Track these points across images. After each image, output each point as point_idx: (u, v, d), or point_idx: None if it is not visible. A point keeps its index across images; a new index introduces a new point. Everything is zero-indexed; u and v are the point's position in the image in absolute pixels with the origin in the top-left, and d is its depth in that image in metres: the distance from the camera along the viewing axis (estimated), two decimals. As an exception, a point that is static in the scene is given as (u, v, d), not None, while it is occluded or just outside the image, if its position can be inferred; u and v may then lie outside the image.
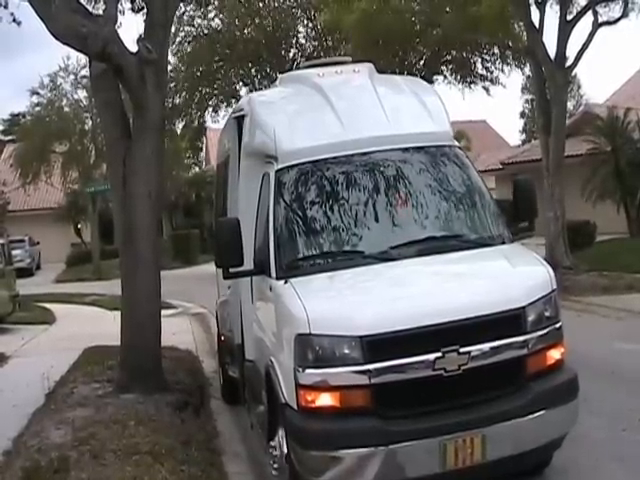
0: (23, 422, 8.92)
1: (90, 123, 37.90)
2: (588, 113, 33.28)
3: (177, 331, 14.96)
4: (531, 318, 5.99)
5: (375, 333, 5.69)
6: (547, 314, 6.14)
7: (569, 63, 22.75)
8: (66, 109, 39.13)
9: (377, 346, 5.68)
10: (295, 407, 5.91)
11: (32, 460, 7.20)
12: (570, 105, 47.54)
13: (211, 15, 33.21)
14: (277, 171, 7.02)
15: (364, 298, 6.07)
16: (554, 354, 6.18)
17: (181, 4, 23.98)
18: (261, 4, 33.21)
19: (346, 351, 5.71)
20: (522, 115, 65.81)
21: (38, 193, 44.35)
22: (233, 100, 32.46)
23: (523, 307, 5.97)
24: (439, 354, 5.68)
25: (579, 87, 61.66)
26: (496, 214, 7.11)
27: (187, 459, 7.31)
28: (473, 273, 6.50)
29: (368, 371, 5.65)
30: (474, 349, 5.77)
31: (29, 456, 7.39)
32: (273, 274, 6.57)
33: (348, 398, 5.73)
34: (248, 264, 6.94)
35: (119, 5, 11.11)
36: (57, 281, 37.00)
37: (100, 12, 10.80)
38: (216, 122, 35.18)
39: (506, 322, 5.91)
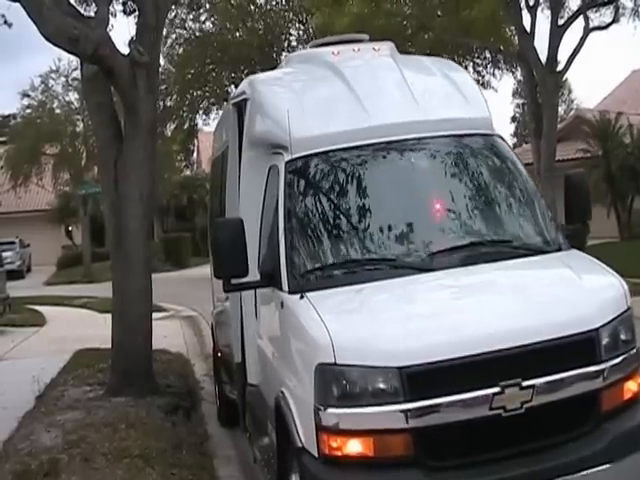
0: (13, 425, 8.87)
1: (81, 125, 37.83)
2: (579, 117, 33.47)
3: (168, 334, 14.93)
4: (605, 342, 4.92)
5: (418, 363, 4.61)
6: (623, 337, 5.06)
7: (560, 67, 22.86)
8: (57, 111, 39.08)
9: (420, 380, 4.61)
10: (315, 454, 4.82)
11: (22, 463, 7.16)
12: (561, 110, 47.66)
13: (203, 18, 33.27)
14: (288, 162, 5.93)
15: (402, 319, 4.93)
16: (631, 386, 5.10)
17: (173, 7, 23.97)
18: (253, 7, 33.25)
19: (381, 386, 4.64)
20: (513, 119, 65.88)
21: (29, 195, 44.21)
22: (224, 103, 32.43)
23: (596, 329, 4.89)
24: (497, 389, 4.60)
25: (570, 91, 61.81)
26: (548, 215, 6.11)
27: (178, 462, 7.28)
28: (533, 287, 5.34)
29: (409, 411, 4.57)
30: (540, 382, 4.68)
31: (19, 459, 7.36)
32: (285, 287, 5.46)
33: (383, 445, 4.66)
34: (252, 274, 5.85)
35: (111, 7, 11.09)
36: (48, 283, 36.94)
37: (92, 14, 10.77)
38: (207, 125, 35.32)
39: (577, 348, 4.84)
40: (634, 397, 5.11)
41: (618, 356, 4.97)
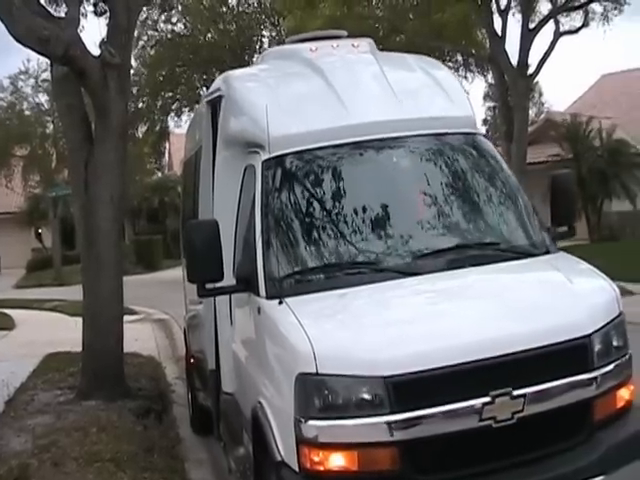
0: (-18, 430, 8.78)
1: (51, 127, 37.58)
2: (550, 121, 33.70)
3: (140, 337, 14.85)
4: (598, 349, 4.75)
5: (404, 373, 4.38)
6: (615, 343, 4.91)
7: (531, 71, 23.04)
8: (27, 112, 38.80)
9: (407, 390, 4.39)
10: (296, 468, 4.58)
11: (-9, 468, 7.10)
12: (532, 113, 47.98)
13: (174, 20, 33.20)
14: (265, 162, 5.70)
15: (387, 326, 4.69)
16: (624, 394, 4.95)
17: (144, 8, 23.87)
18: (225, 9, 33.23)
19: (365, 396, 4.40)
20: (484, 122, 66.03)
21: (-2, 197, 43.88)
22: (196, 105, 32.36)
23: (589, 335, 4.72)
24: (487, 399, 4.39)
25: (541, 95, 62.19)
26: (535, 216, 5.88)
27: (150, 466, 7.24)
28: (523, 292, 5.13)
29: (395, 423, 4.35)
30: (531, 391, 4.49)
31: (-12, 464, 7.29)
32: (262, 292, 5.22)
33: (368, 459, 4.43)
34: (227, 278, 5.59)
35: (81, 8, 11.01)
36: (17, 287, 36.60)
37: (62, 15, 10.69)
38: (179, 127, 35.22)
39: (569, 355, 4.67)
40: (627, 405, 4.97)
41: (611, 363, 4.82)
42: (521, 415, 4.47)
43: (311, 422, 4.47)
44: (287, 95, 6.24)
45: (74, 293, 15.30)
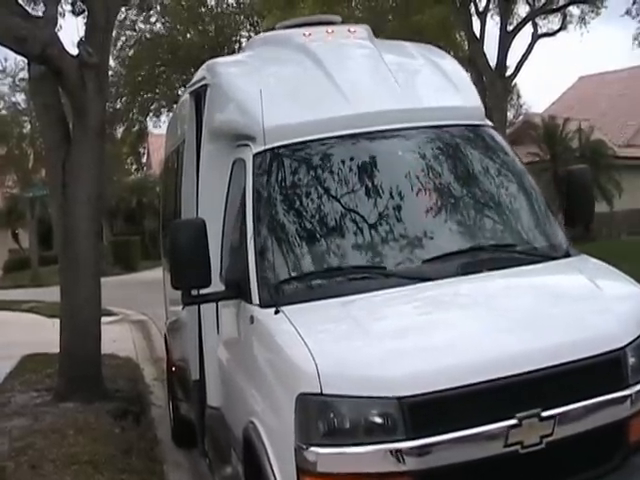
0: (-42, 432, 8.71)
1: (29, 127, 37.36)
2: (528, 122, 33.86)
3: (117, 338, 14.76)
4: (632, 363, 4.23)
5: (421, 393, 3.85)
6: None
7: (509, 72, 23.16)
8: (4, 112, 38.57)
9: (425, 412, 3.86)
10: None
11: (-33, 471, 7.04)
12: (510, 114, 48.17)
13: (153, 20, 33.14)
14: (256, 155, 5.19)
15: (400, 339, 4.18)
16: None
17: (123, 8, 23.78)
18: (203, 9, 33.18)
19: (377, 420, 3.87)
20: (463, 123, 66.50)
21: (-26, 198, 43.61)
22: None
23: (623, 347, 4.20)
24: (514, 421, 3.88)
25: (519, 96, 62.28)
26: (552, 216, 5.44)
27: (127, 468, 7.19)
28: (550, 300, 4.56)
29: (411, 450, 3.81)
30: (562, 412, 3.97)
31: (-36, 467, 7.22)
32: (255, 299, 4.71)
33: None
34: (213, 282, 5.08)
35: (59, 7, 10.95)
36: (-6, 288, 36.32)
37: (40, 14, 10.63)
38: (158, 127, 35.14)
39: (602, 370, 4.16)
40: None
41: None
42: (550, 439, 3.95)
43: (314, 449, 3.91)
44: (279, 82, 5.75)
45: (51, 294, 15.20)
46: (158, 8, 32.37)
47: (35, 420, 8.61)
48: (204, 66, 6.59)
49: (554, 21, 24.59)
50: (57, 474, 6.86)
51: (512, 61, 23.60)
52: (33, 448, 7.49)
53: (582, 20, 24.65)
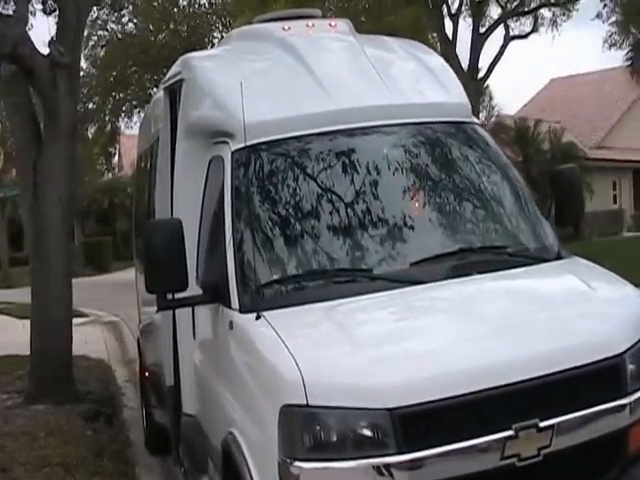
0: None
1: (-1, 126, 37.06)
2: (500, 124, 34.07)
3: (89, 340, 14.68)
4: (631, 369, 4.08)
5: (415, 403, 3.66)
6: None
7: (481, 74, 23.29)
8: (-26, 112, 38.20)
9: (418, 424, 3.68)
10: None
11: (-64, 475, 6.96)
12: (482, 116, 48.52)
13: (125, 19, 33.02)
14: (235, 153, 4.99)
15: (390, 346, 3.96)
16: None
17: (94, 8, 23.63)
18: (176, 9, 33.09)
19: (366, 433, 3.68)
20: (435, 124, 66.78)
21: (-57, 198, 43.08)
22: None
23: (621, 354, 4.05)
24: (510, 432, 3.71)
25: (491, 98, 62.82)
26: (542, 216, 5.28)
27: (99, 470, 7.16)
28: (545, 304, 4.40)
29: (402, 464, 3.62)
30: (560, 422, 3.81)
31: None
32: (234, 304, 4.50)
33: None
34: (190, 286, 4.84)
35: (30, 6, 10.87)
36: (-37, 289, 36.00)
37: (10, 12, 10.54)
38: (130, 128, 34.99)
39: (601, 378, 4.01)
40: None
41: None
42: (548, 451, 3.79)
43: (299, 464, 3.70)
44: (257, 77, 5.48)
45: (22, 295, 15.10)
46: (130, 8, 32.22)
47: (5, 422, 8.53)
48: (179, 61, 6.34)
49: (526, 23, 24.88)
50: (28, 477, 6.81)
51: (484, 63, 23.81)
52: (3, 451, 7.42)
53: (553, 23, 24.95)
